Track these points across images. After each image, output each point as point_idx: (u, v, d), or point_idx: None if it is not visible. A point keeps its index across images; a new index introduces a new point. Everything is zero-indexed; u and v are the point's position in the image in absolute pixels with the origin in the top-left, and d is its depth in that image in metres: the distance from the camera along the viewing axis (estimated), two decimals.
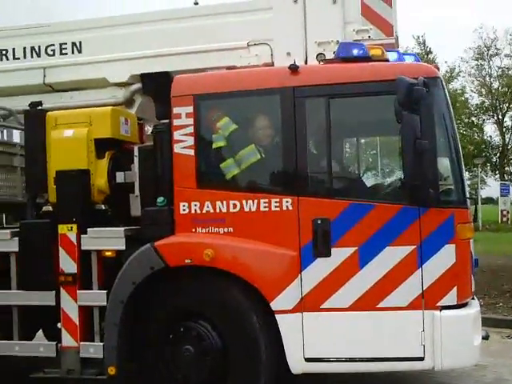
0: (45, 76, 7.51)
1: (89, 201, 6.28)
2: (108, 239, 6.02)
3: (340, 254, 5.53)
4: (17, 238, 6.29)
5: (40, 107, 6.68)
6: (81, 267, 6.10)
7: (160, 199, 6.02)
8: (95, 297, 6.06)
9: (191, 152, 5.89)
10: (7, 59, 7.62)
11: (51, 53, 7.52)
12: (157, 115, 6.39)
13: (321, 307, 5.55)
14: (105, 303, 5.95)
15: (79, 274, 6.10)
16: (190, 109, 5.90)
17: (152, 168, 6.25)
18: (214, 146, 5.91)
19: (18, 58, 7.60)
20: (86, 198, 6.25)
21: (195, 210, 5.85)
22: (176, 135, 5.94)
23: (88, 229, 6.09)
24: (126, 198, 6.41)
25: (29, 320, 6.52)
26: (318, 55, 6.74)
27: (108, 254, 6.06)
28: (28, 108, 6.67)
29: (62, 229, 6.13)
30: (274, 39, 6.88)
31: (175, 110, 5.95)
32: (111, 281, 6.00)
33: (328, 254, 5.55)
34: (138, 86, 7.27)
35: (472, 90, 40.49)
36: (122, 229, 6.01)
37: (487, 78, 41.02)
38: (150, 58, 7.09)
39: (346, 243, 5.53)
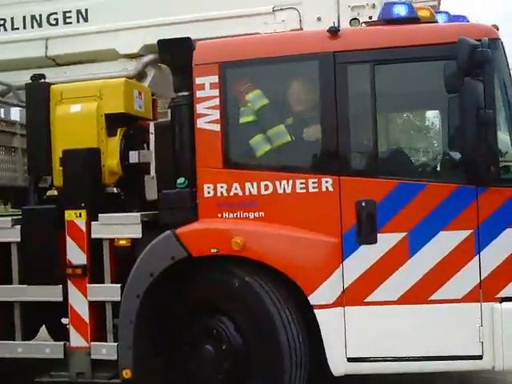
0: (47, 48, 6.83)
1: (99, 183, 5.61)
2: (122, 226, 5.34)
3: (387, 241, 4.88)
4: (18, 226, 5.61)
5: (43, 80, 5.97)
6: (91, 258, 5.43)
7: (180, 180, 5.34)
8: (108, 291, 5.38)
9: (217, 127, 5.21)
10: (5, 30, 6.93)
11: (54, 22, 6.84)
12: (175, 87, 5.68)
13: (365, 300, 4.91)
14: (118, 298, 5.30)
15: (89, 266, 5.42)
16: (215, 78, 5.22)
17: (170, 146, 5.60)
18: (243, 120, 5.25)
19: (17, 29, 6.91)
20: (96, 181, 5.57)
21: (221, 193, 5.18)
22: (199, 108, 5.26)
23: (99, 215, 5.41)
24: (141, 179, 5.77)
25: (30, 316, 5.86)
26: (351, 20, 6.09)
27: (122, 242, 5.38)
28: (30, 81, 5.96)
29: (70, 215, 5.45)
30: (303, 3, 6.24)
31: (198, 80, 5.27)
32: (124, 273, 5.37)
33: (373, 241, 4.90)
34: (150, 57, 6.59)
35: None
36: (138, 214, 5.33)
37: None
38: (164, 26, 6.42)
39: (394, 228, 4.88)
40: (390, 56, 4.95)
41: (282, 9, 6.28)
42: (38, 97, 5.82)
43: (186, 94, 5.50)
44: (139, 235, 5.30)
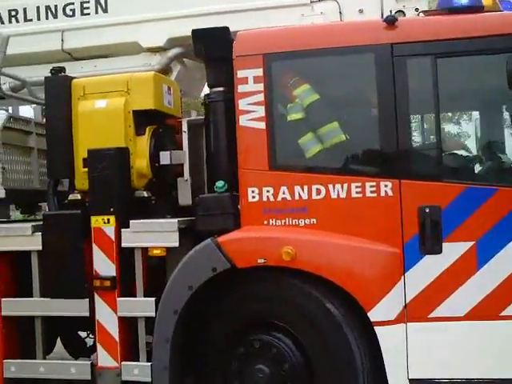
0: (63, 41, 6.29)
1: (129, 187, 5.10)
2: (157, 234, 4.85)
3: (453, 251, 4.44)
4: (39, 234, 5.10)
5: (63, 74, 5.48)
6: (121, 269, 4.93)
7: (220, 184, 4.87)
8: (140, 305, 4.90)
9: (261, 125, 4.74)
10: (17, 21, 6.38)
11: (70, 13, 6.30)
12: (209, 82, 5.23)
13: (429, 316, 4.46)
14: (153, 313, 4.81)
15: (119, 278, 4.92)
16: (260, 71, 4.76)
17: (207, 146, 5.16)
18: (291, 117, 4.78)
19: (31, 20, 6.36)
20: (126, 184, 5.08)
21: (268, 197, 4.71)
22: (241, 104, 4.79)
23: (130, 221, 4.91)
24: (171, 182, 5.32)
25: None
26: (396, 12, 5.64)
27: (156, 252, 4.89)
28: (49, 75, 5.46)
29: (97, 221, 4.96)
30: None
31: (240, 74, 4.80)
32: (157, 286, 4.89)
33: (438, 251, 4.45)
34: (176, 50, 6.10)
35: None
36: (175, 220, 4.84)
37: None
38: (193, 18, 5.91)
39: (461, 237, 4.43)
40: (453, 48, 4.50)
41: (320, 0, 5.82)
42: (59, 92, 5.33)
43: (221, 89, 5.08)
44: (176, 244, 4.82)
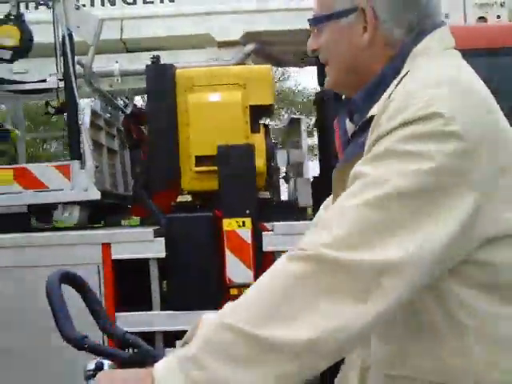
0: (122, 30, 5.72)
1: (256, 187, 4.74)
2: None
3: None
4: (162, 239, 4.57)
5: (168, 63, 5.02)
6: (258, 275, 4.53)
7: None
8: None
9: None
10: None
11: (131, 0, 5.75)
12: (321, 80, 5.03)
13: None
14: None
15: None
16: None
17: (320, 145, 4.98)
18: None
19: (83, 6, 5.70)
20: (256, 184, 4.71)
21: None
22: None
23: (274, 223, 4.56)
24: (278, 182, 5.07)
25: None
26: (478, 18, 5.78)
27: None
28: (150, 63, 4.96)
29: (230, 224, 4.54)
30: None
31: None
32: None
33: None
34: (253, 46, 5.77)
35: None
36: None
37: None
38: (273, 12, 5.65)
39: None
40: None
41: None
42: (164, 82, 4.85)
43: None
44: None
